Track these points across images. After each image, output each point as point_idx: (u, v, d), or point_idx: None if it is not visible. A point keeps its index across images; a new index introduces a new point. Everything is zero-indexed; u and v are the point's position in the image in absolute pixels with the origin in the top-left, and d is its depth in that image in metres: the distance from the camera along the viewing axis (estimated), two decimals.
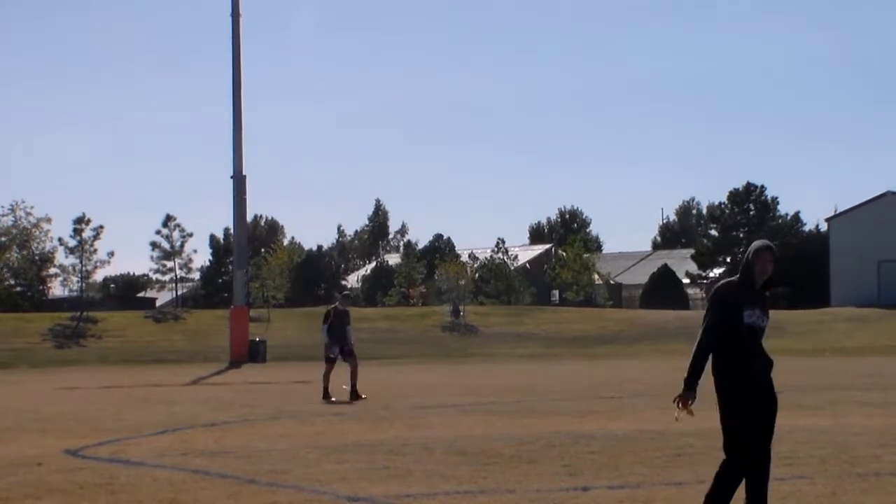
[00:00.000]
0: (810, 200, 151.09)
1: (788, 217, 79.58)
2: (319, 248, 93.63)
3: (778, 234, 73.33)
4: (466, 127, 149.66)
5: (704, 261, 79.59)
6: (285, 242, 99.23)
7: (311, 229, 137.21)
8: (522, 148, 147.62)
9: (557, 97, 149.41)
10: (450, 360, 43.37)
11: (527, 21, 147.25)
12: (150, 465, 11.40)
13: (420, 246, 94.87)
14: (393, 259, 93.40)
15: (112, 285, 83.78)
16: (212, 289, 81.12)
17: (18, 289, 67.42)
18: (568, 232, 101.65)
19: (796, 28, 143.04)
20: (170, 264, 68.44)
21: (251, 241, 70.66)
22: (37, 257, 66.37)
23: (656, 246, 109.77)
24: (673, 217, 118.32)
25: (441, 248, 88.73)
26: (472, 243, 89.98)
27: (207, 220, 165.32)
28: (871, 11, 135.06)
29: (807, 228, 79.44)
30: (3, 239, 65.53)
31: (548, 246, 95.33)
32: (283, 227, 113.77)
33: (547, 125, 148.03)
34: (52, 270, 65.96)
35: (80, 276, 60.91)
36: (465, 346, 51.19)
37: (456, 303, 61.99)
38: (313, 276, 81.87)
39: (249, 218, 66.38)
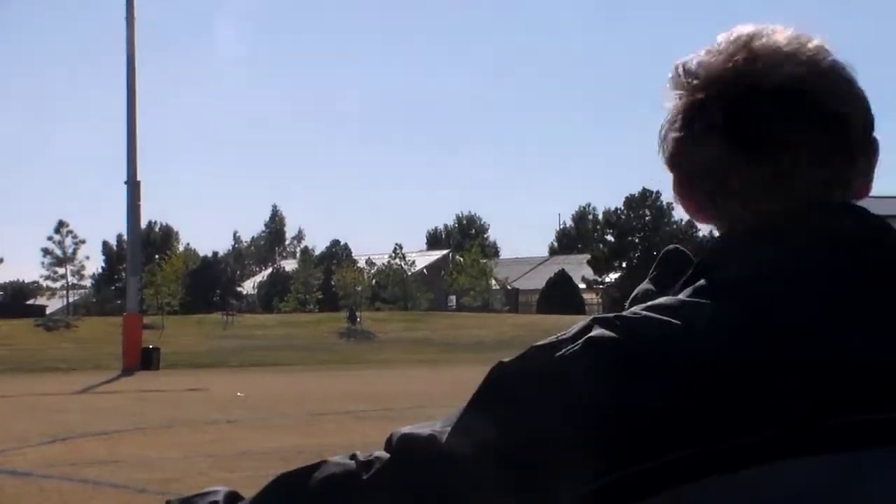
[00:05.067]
0: None
1: (683, 223, 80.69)
2: (215, 254, 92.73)
3: (673, 239, 74.30)
4: (361, 132, 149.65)
5: (600, 266, 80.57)
6: (180, 249, 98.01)
7: (206, 235, 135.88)
8: (419, 153, 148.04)
9: (450, 99, 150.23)
10: (346, 367, 43.25)
11: (419, 20, 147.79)
12: (37, 476, 11.18)
13: (317, 252, 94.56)
14: (289, 265, 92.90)
15: (0, 293, 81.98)
16: (103, 297, 79.88)
17: None
18: (465, 237, 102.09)
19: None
20: (61, 271, 67.29)
21: (145, 247, 69.67)
22: None
23: (553, 251, 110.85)
24: (569, 222, 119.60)
25: (338, 254, 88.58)
26: (370, 249, 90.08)
27: (101, 226, 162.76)
28: (854, 12, 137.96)
29: (701, 234, 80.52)
30: None
31: (445, 251, 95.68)
32: (178, 233, 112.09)
33: (441, 129, 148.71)
34: None
35: None
36: (361, 353, 51.12)
37: (353, 308, 61.91)
38: (208, 282, 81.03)
39: (144, 224, 65.44)
